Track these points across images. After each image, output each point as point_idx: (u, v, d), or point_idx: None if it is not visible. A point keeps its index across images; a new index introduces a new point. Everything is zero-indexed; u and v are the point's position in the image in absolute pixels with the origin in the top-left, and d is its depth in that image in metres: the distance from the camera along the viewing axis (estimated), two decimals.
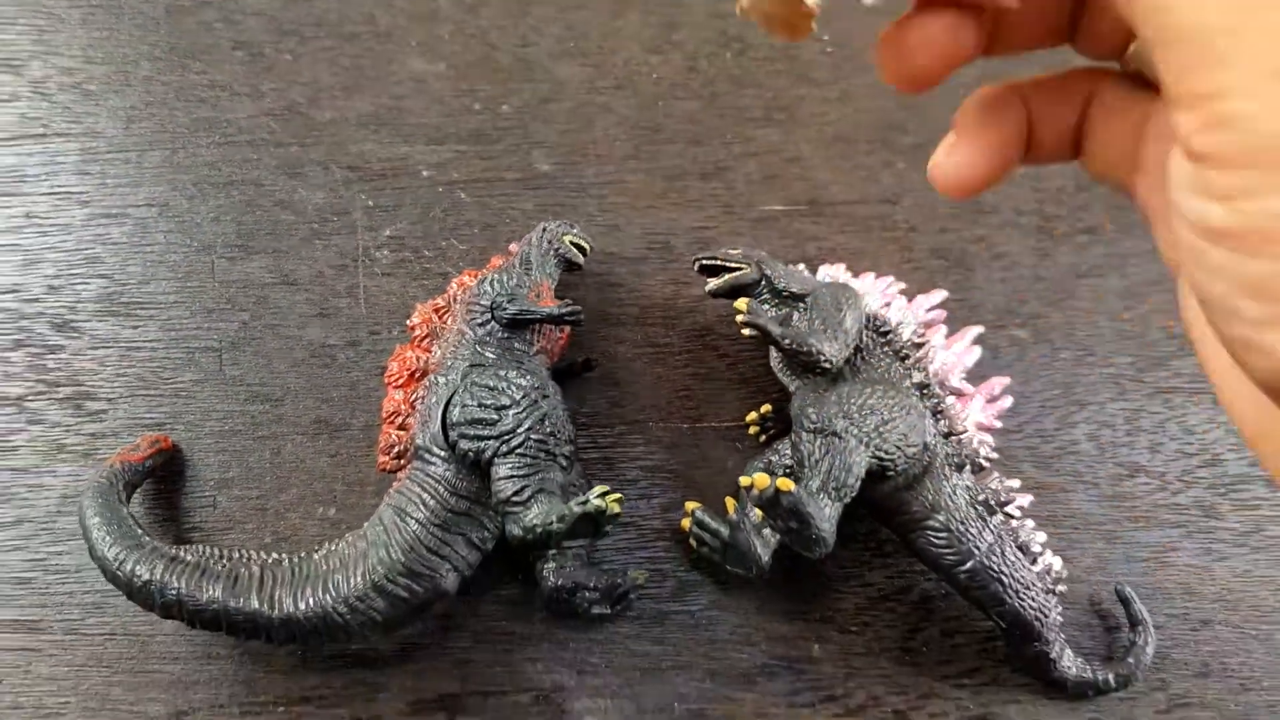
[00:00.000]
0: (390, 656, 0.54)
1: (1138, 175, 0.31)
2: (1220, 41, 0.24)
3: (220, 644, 0.53)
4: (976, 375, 0.55)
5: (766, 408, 0.58)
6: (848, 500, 0.49)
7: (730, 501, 0.54)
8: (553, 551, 0.52)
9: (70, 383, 0.57)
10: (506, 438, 0.48)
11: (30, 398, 0.56)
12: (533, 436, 0.48)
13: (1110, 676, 0.55)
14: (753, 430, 0.58)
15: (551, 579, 0.51)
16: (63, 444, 0.56)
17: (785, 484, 0.47)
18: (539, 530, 0.47)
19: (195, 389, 0.57)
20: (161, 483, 0.55)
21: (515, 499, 0.47)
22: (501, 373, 0.50)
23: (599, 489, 0.47)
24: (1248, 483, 0.60)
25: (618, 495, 0.48)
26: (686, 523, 0.54)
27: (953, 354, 0.55)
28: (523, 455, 0.48)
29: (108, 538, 0.48)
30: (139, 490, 0.54)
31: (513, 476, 0.48)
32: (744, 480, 0.49)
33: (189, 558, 0.48)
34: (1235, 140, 0.23)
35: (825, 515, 0.48)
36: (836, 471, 0.49)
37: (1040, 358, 0.61)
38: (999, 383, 0.56)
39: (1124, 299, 0.62)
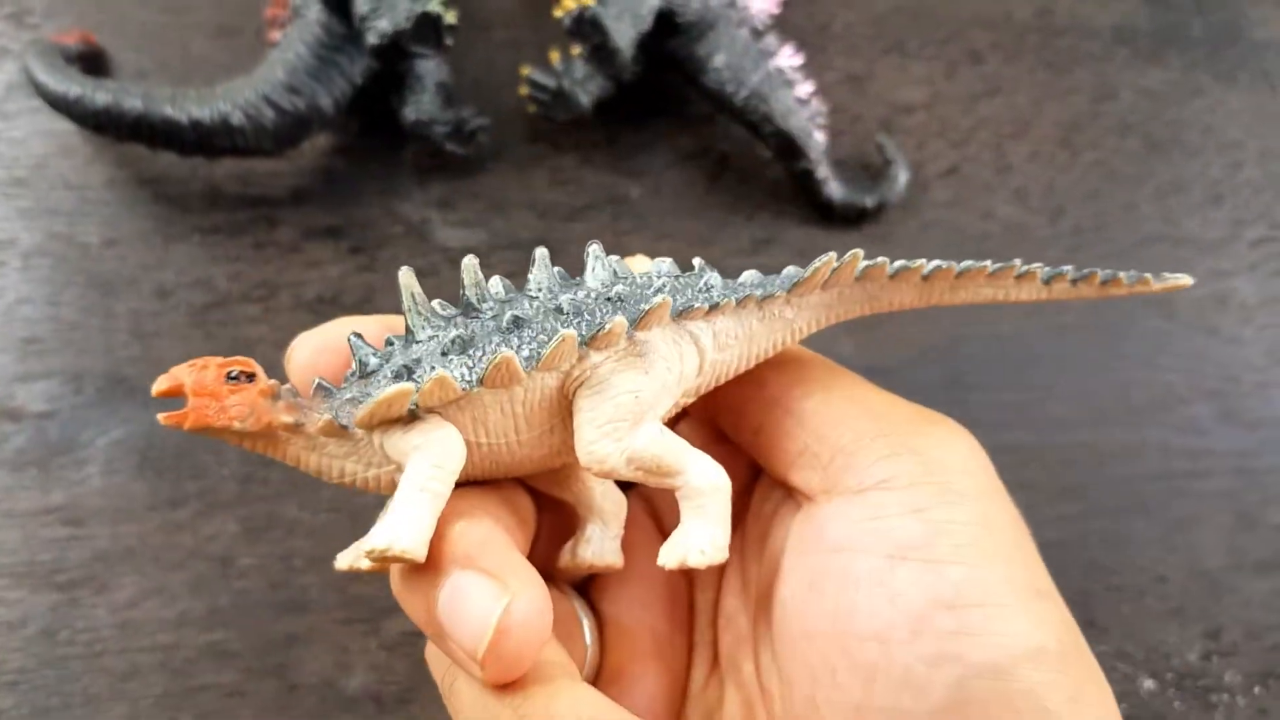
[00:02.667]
0: (285, 198, 0.68)
1: None
2: None
3: (144, 189, 0.67)
4: None
5: None
6: (642, 29, 0.64)
7: (554, 54, 0.69)
8: (411, 96, 0.66)
9: (11, 3, 0.70)
10: None
11: None
12: None
13: (869, 199, 0.70)
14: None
15: (410, 114, 0.66)
16: (5, 48, 0.69)
17: (588, 0, 0.61)
18: (389, 32, 0.61)
19: (114, 3, 0.71)
20: (89, 72, 0.69)
21: (371, 14, 0.62)
22: None
23: None
24: (993, 73, 0.75)
25: (454, 10, 0.62)
26: (523, 89, 0.69)
27: None
28: None
29: (48, 69, 0.62)
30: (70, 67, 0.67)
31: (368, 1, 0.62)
32: (556, 11, 0.63)
33: (112, 84, 0.62)
34: None
35: (622, 33, 0.63)
36: (632, 2, 0.64)
37: None
38: None
39: None
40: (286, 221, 0.68)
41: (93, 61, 0.68)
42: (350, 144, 0.70)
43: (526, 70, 0.69)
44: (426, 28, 0.62)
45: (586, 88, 0.68)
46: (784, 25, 0.74)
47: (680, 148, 0.72)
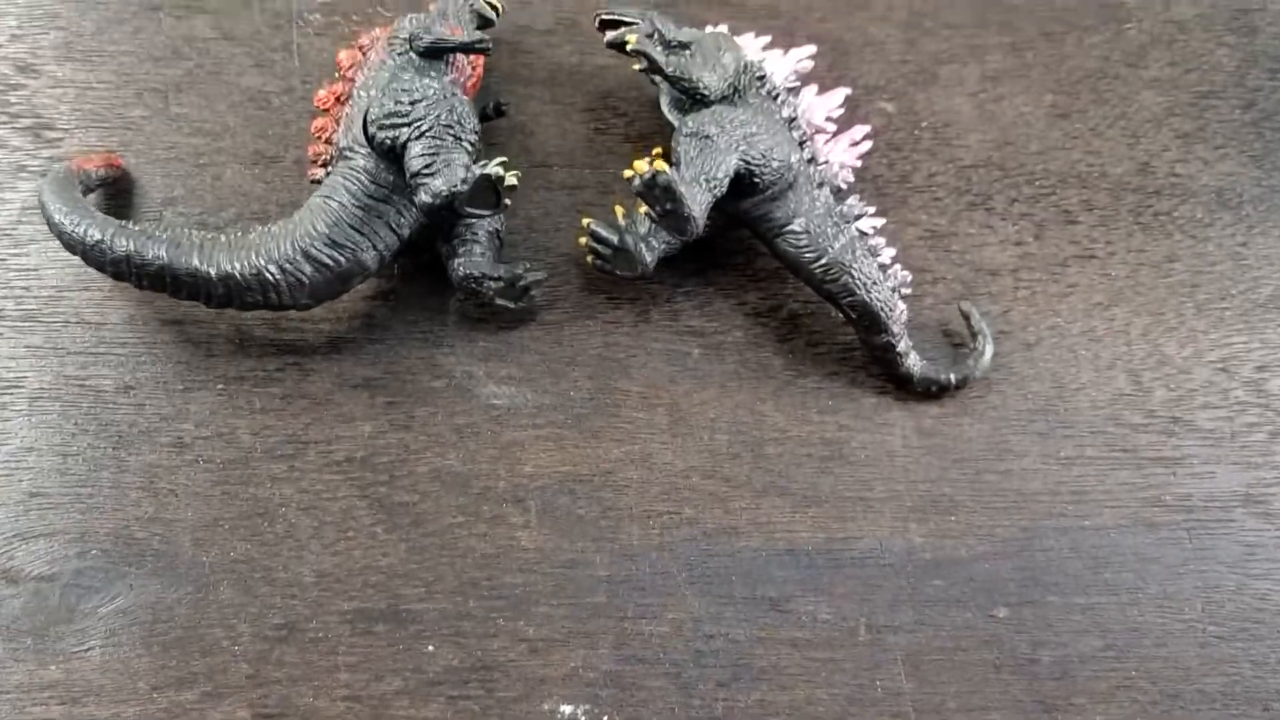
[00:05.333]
0: (319, 345, 0.64)
1: None
2: None
3: (166, 331, 0.63)
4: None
5: (658, 150, 0.69)
6: (717, 193, 0.60)
7: (618, 208, 0.65)
8: (462, 249, 0.62)
9: (31, 115, 0.67)
10: (418, 124, 0.59)
11: None
12: (440, 123, 0.59)
13: (952, 375, 0.66)
14: (656, 150, 0.68)
15: (461, 269, 0.62)
16: (22, 165, 0.66)
17: (661, 165, 0.58)
18: (444, 193, 0.57)
19: (143, 123, 0.67)
20: (111, 199, 0.66)
21: (425, 170, 0.58)
22: (416, 79, 0.60)
23: (498, 159, 0.58)
24: (1085, 234, 0.71)
25: (515, 170, 0.59)
26: (583, 238, 0.65)
27: (820, 99, 0.66)
28: (432, 138, 0.59)
29: (64, 207, 0.58)
30: (90, 198, 0.63)
31: (423, 154, 0.58)
32: (627, 172, 0.60)
33: (135, 227, 0.59)
34: None
35: (696, 199, 0.59)
36: (707, 166, 0.60)
37: (904, 125, 0.73)
38: (860, 129, 0.67)
39: (981, 83, 0.74)
40: (318, 371, 0.64)
41: (117, 188, 0.65)
42: (392, 288, 0.66)
43: (588, 221, 0.65)
44: (485, 190, 0.58)
45: (651, 245, 0.64)
46: (862, 175, 0.70)
47: (747, 304, 0.68)
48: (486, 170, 0.58)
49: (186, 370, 0.64)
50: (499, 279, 0.63)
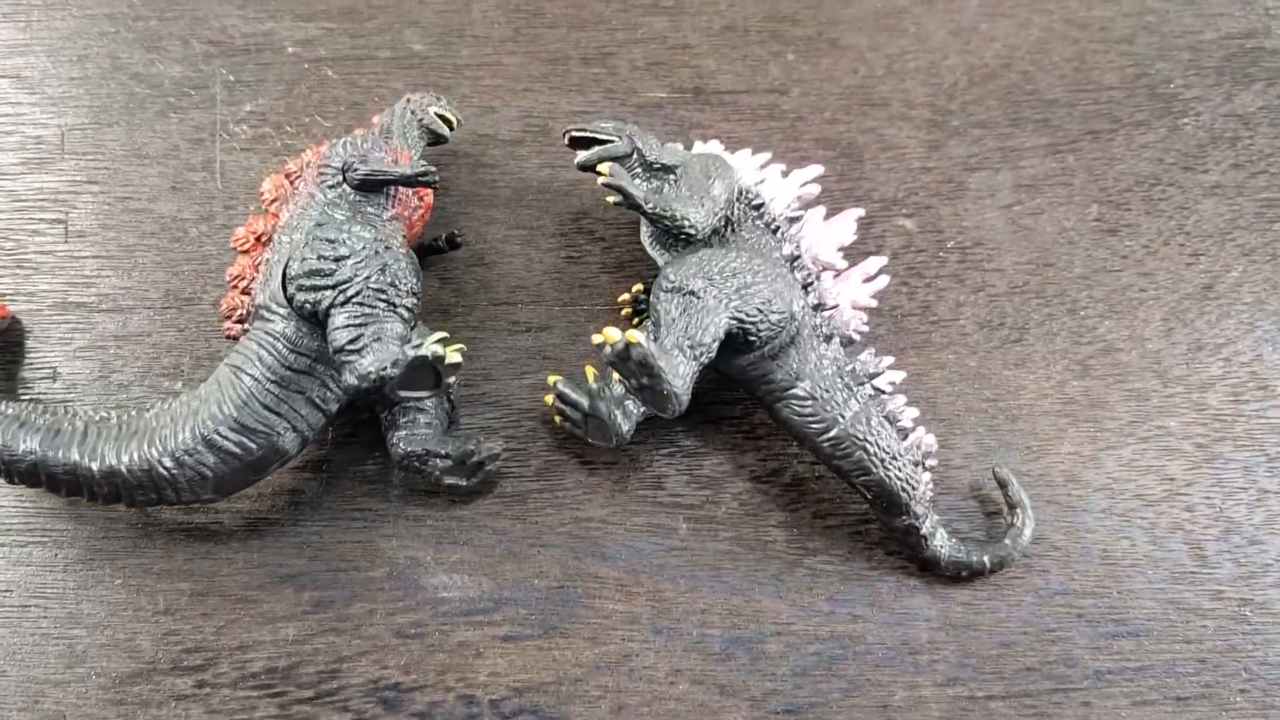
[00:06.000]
0: (237, 530, 0.54)
1: None
2: None
3: (55, 517, 0.53)
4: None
5: (638, 287, 0.58)
6: (704, 360, 0.49)
7: (590, 369, 0.54)
8: (404, 419, 0.52)
9: None
10: (343, 287, 0.48)
11: None
12: (370, 285, 0.48)
13: (986, 558, 0.55)
14: (625, 311, 0.58)
15: (402, 445, 0.51)
16: None
17: (633, 336, 0.47)
18: (373, 377, 0.47)
19: (40, 260, 0.57)
20: None
21: (350, 347, 0.47)
22: (345, 226, 0.50)
23: (437, 335, 0.48)
24: (1136, 374, 0.60)
25: (459, 345, 0.48)
26: (549, 397, 0.54)
27: (828, 228, 0.55)
28: (360, 305, 0.48)
29: None
30: None
31: (349, 325, 0.48)
32: (595, 338, 0.49)
33: (9, 410, 0.48)
34: None
35: (678, 372, 0.48)
36: (692, 330, 0.49)
37: (927, 245, 0.62)
38: (876, 262, 0.56)
39: (1015, 193, 0.63)
40: (234, 561, 0.54)
41: (4, 339, 0.54)
42: (325, 457, 0.55)
43: (554, 379, 0.54)
44: (422, 372, 0.47)
45: (628, 410, 0.53)
46: (878, 306, 0.59)
47: (744, 468, 0.57)
48: (422, 351, 0.48)
49: (79, 564, 0.53)
50: (446, 456, 0.53)
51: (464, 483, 0.53)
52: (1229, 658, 0.57)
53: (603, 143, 0.56)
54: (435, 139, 0.57)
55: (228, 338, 0.53)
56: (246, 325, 0.52)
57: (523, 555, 0.55)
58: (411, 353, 0.47)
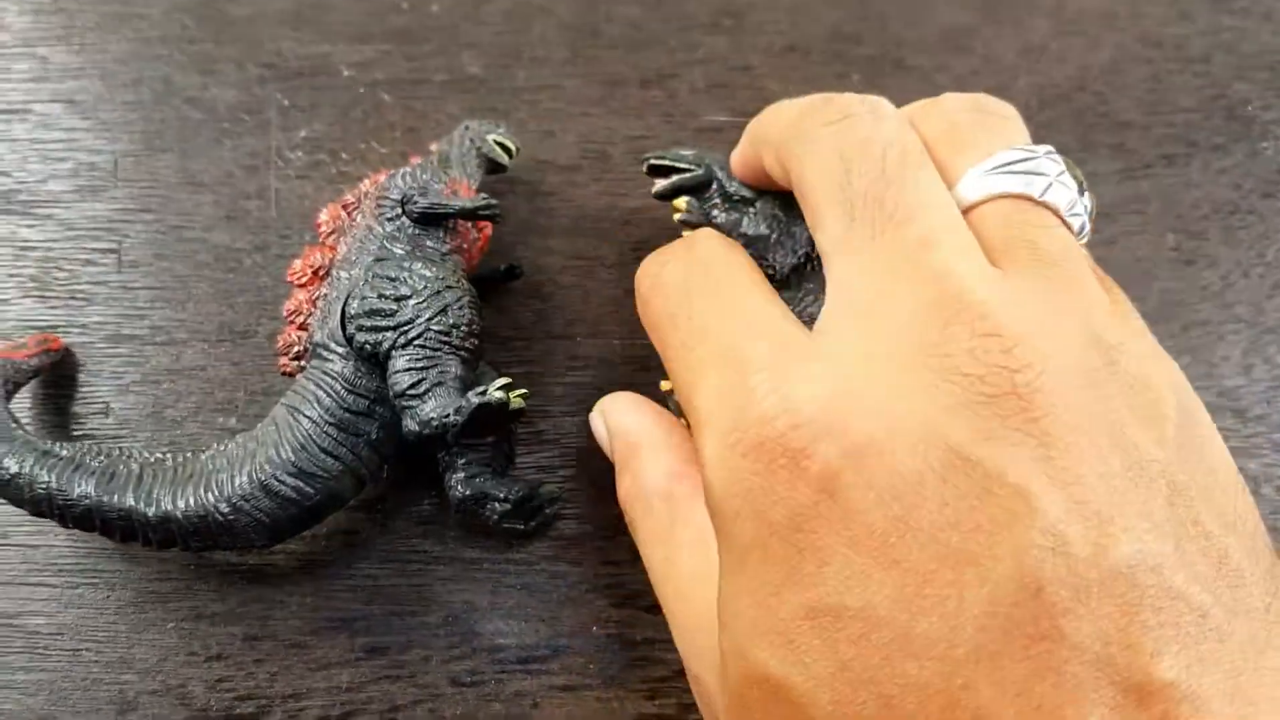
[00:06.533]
0: (291, 572, 0.52)
1: None
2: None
3: (108, 558, 0.52)
4: None
5: None
6: None
7: (665, 384, 0.52)
8: (462, 461, 0.50)
9: None
10: (405, 329, 0.46)
11: None
12: (433, 328, 0.46)
13: None
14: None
15: (459, 489, 0.50)
16: None
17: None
18: (435, 424, 0.45)
19: (93, 291, 0.55)
20: (51, 386, 0.53)
21: (411, 392, 0.45)
22: (405, 264, 0.48)
23: (501, 381, 0.46)
24: (1215, 413, 0.57)
25: (523, 390, 0.46)
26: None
27: None
28: (421, 347, 0.46)
29: None
30: (24, 390, 0.51)
31: (410, 369, 0.46)
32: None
33: (64, 452, 0.47)
34: None
35: None
36: None
37: None
38: None
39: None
40: (288, 605, 0.52)
41: (56, 377, 0.53)
42: (380, 496, 0.53)
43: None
44: (485, 418, 0.45)
45: None
46: None
47: None
48: (486, 399, 0.46)
49: (132, 607, 0.52)
50: (505, 499, 0.51)
51: (522, 526, 0.52)
52: None
53: (681, 170, 0.54)
54: (494, 168, 0.55)
55: (283, 374, 0.51)
56: (303, 362, 0.50)
57: (581, 601, 0.53)
58: (475, 400, 0.45)
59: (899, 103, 0.44)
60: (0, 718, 0.50)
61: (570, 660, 0.52)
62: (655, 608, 0.51)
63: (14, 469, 0.46)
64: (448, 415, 0.45)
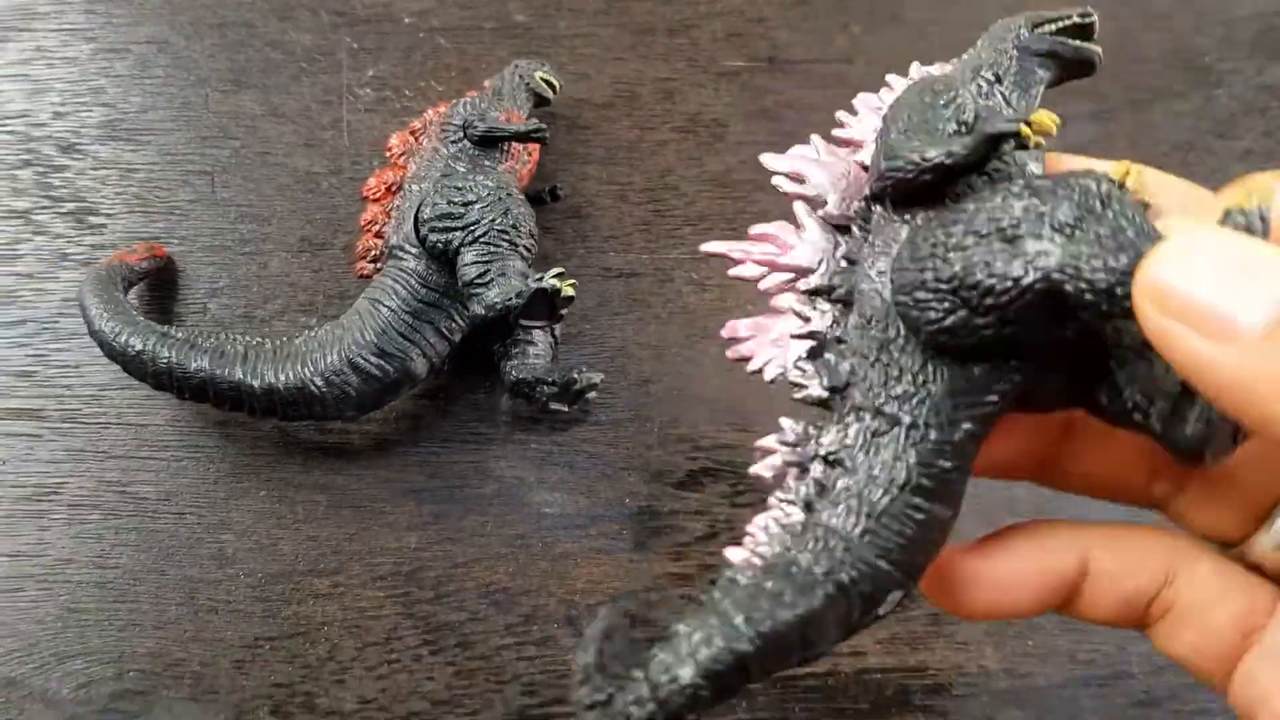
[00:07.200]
0: (365, 449, 0.59)
1: (1233, 672, 0.30)
2: None
3: (208, 435, 0.59)
4: None
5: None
6: None
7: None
8: (516, 350, 0.57)
9: (73, 199, 0.62)
10: (471, 228, 0.53)
11: (36, 211, 0.62)
12: (495, 227, 0.53)
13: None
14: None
15: (514, 373, 0.57)
16: (65, 253, 0.61)
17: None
18: (499, 306, 0.52)
19: (189, 208, 0.62)
20: (155, 289, 0.60)
21: (478, 281, 0.53)
22: (470, 177, 0.55)
23: (555, 270, 0.53)
24: None
25: (573, 280, 0.53)
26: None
27: None
28: (486, 244, 0.53)
29: (105, 313, 0.53)
30: (134, 291, 0.59)
31: (477, 262, 0.53)
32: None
33: (179, 334, 0.54)
34: None
35: None
36: None
37: None
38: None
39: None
40: (364, 477, 0.59)
41: (162, 278, 0.60)
42: (442, 386, 0.61)
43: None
44: (540, 302, 0.53)
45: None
46: None
47: None
48: (543, 284, 0.53)
49: (229, 477, 0.59)
50: (553, 383, 0.58)
51: (566, 408, 0.59)
52: None
53: None
54: (540, 101, 0.62)
55: (360, 277, 0.58)
56: (379, 265, 0.58)
57: (615, 478, 0.60)
58: (534, 284, 0.52)
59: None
60: (117, 570, 0.57)
61: (606, 527, 0.59)
62: (680, 484, 0.59)
63: (138, 346, 0.53)
64: (510, 298, 0.52)
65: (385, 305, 0.54)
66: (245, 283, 0.61)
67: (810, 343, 0.34)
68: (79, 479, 0.58)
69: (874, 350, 0.33)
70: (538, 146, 0.60)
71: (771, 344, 0.35)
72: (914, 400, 0.32)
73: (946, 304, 0.30)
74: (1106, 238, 0.27)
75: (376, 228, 0.57)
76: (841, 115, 0.38)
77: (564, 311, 0.54)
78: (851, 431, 0.32)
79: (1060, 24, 0.40)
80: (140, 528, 0.57)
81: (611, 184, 0.65)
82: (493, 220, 0.53)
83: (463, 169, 0.56)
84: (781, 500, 0.33)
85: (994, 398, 0.31)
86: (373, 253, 0.57)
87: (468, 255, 0.53)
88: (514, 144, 0.58)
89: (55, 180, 0.62)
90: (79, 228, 0.62)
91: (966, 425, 0.31)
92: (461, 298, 0.55)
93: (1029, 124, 0.32)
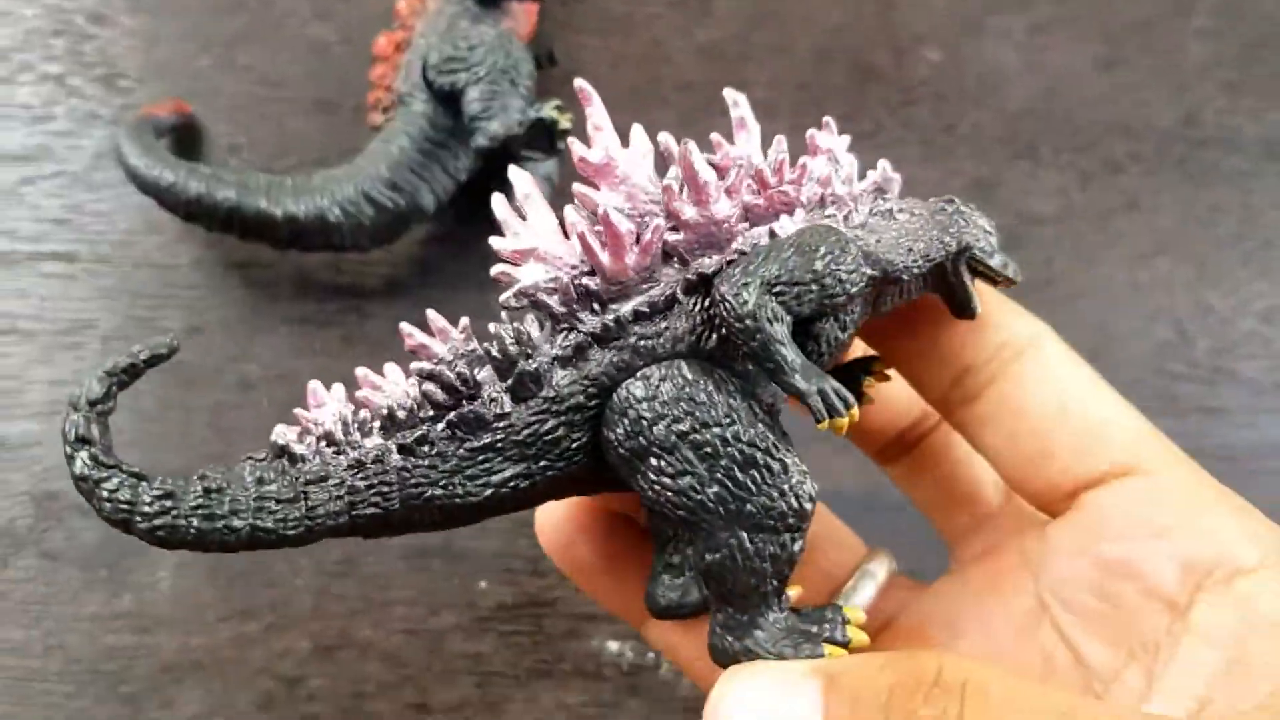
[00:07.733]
0: (378, 286, 0.63)
1: None
2: None
3: (231, 274, 0.62)
4: None
5: None
6: None
7: None
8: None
9: (103, 65, 0.66)
10: (475, 69, 0.57)
11: (68, 76, 0.65)
12: (497, 68, 0.57)
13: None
14: None
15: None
16: (95, 113, 0.65)
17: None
18: (501, 135, 0.56)
19: (210, 73, 0.66)
20: (181, 144, 0.64)
21: (482, 115, 0.56)
22: (473, 27, 0.59)
23: (553, 102, 0.57)
24: (1135, 184, 0.68)
25: (569, 115, 0.57)
26: None
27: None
28: (489, 84, 0.57)
29: (140, 151, 0.57)
30: (162, 142, 0.62)
31: (480, 98, 0.57)
32: None
33: (206, 169, 0.57)
34: None
35: None
36: None
37: (950, 74, 0.70)
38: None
39: (1028, 34, 0.71)
40: (377, 315, 0.63)
41: (186, 133, 0.64)
42: (447, 231, 0.64)
43: None
44: (539, 133, 0.56)
45: None
46: (908, 123, 0.68)
47: None
48: (541, 114, 0.57)
49: (251, 313, 0.63)
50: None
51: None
52: (1202, 414, 0.66)
53: None
54: None
55: (371, 127, 0.62)
56: (390, 114, 0.61)
57: None
58: (533, 114, 0.56)
59: None
60: (148, 396, 0.61)
61: None
62: None
63: (170, 179, 0.57)
64: (511, 127, 0.56)
65: (397, 144, 0.58)
66: (263, 140, 0.65)
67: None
68: (110, 315, 0.62)
69: None
70: (535, 8, 0.63)
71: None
72: None
73: None
74: None
75: (386, 81, 0.61)
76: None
77: (562, 146, 0.57)
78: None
79: (992, 266, 0.39)
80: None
81: (606, 52, 0.68)
82: (494, 62, 0.57)
83: (465, 24, 0.60)
84: None
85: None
86: (383, 104, 0.61)
87: (472, 93, 0.57)
88: (513, 6, 0.62)
89: (86, 48, 0.66)
90: (108, 90, 0.65)
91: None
92: (465, 140, 0.58)
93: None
